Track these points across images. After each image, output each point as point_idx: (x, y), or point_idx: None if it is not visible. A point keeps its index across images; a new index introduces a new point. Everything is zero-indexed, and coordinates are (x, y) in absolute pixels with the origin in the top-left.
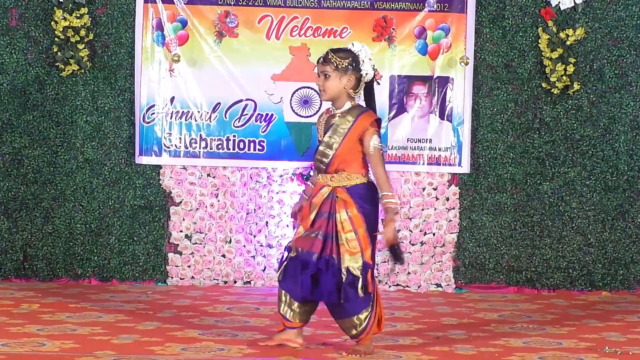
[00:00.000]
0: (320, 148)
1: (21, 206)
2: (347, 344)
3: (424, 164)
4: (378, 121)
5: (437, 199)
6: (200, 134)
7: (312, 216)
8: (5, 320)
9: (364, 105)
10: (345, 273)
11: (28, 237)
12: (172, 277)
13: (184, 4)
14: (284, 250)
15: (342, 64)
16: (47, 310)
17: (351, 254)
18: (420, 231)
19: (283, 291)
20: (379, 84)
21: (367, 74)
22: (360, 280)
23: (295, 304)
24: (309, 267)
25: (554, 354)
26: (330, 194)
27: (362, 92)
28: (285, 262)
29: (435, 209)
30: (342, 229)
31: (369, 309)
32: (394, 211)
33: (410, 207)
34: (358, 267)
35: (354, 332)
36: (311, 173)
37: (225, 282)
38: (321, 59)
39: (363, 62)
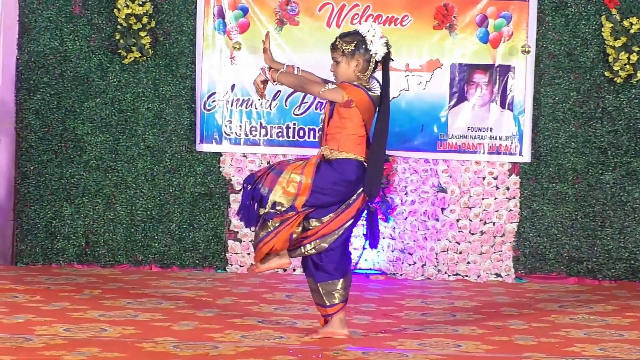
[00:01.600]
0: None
1: (83, 192)
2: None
3: (484, 153)
4: (354, 91)
5: (497, 188)
6: (261, 122)
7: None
8: (68, 306)
9: (380, 84)
10: (270, 205)
11: (90, 224)
12: (231, 265)
13: None
14: None
15: (348, 49)
16: (108, 296)
17: (285, 193)
18: (480, 220)
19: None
20: (392, 60)
21: (376, 53)
22: (277, 214)
23: (312, 284)
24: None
25: (616, 345)
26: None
27: (375, 71)
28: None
29: (495, 199)
30: (290, 167)
31: (269, 230)
32: (275, 72)
33: (471, 196)
34: (283, 205)
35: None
36: None
37: (284, 270)
38: (331, 46)
39: (371, 42)
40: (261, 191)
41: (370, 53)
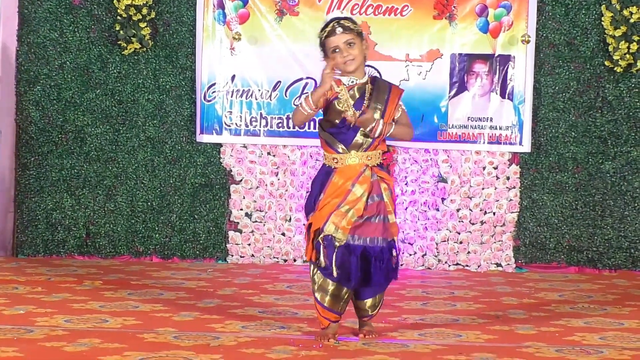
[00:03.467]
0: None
1: (84, 184)
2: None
3: (484, 142)
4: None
5: (497, 178)
6: (261, 112)
7: (364, 200)
8: (69, 297)
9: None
10: (395, 254)
11: (91, 215)
12: (232, 255)
13: None
14: (326, 242)
15: (359, 30)
16: (109, 287)
17: (397, 231)
18: (481, 210)
19: (331, 282)
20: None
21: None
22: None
23: (345, 292)
24: (384, 255)
25: (615, 334)
26: (373, 175)
27: None
28: (335, 253)
29: (495, 188)
30: (391, 208)
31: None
32: (390, 125)
33: (471, 186)
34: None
35: (372, 311)
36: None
37: (285, 260)
38: (339, 29)
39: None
40: (394, 244)
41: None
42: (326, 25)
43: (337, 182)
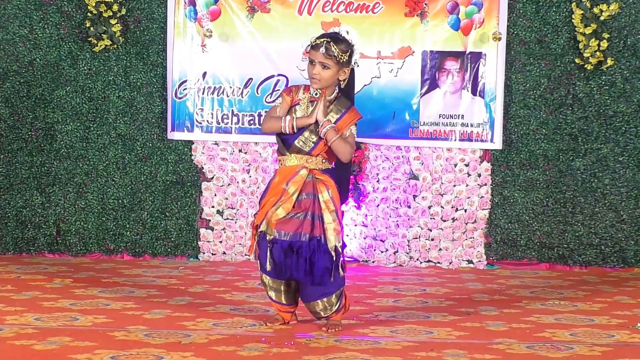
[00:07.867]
0: (307, 132)
1: (54, 181)
2: (331, 324)
3: (455, 140)
4: (358, 117)
5: (468, 175)
6: (232, 110)
7: (294, 198)
8: (39, 295)
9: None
10: (334, 253)
11: (61, 212)
12: (203, 253)
13: None
14: (259, 238)
15: (343, 58)
16: (79, 285)
17: (337, 233)
18: (452, 207)
19: (269, 278)
20: (358, 66)
21: (355, 63)
22: (341, 259)
23: (283, 286)
24: (302, 250)
25: (586, 330)
26: (308, 176)
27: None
28: (269, 249)
29: (467, 185)
30: (327, 208)
31: (342, 288)
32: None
33: (442, 183)
34: (340, 247)
35: (328, 312)
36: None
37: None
38: (322, 50)
39: (355, 53)
40: (322, 241)
41: (353, 64)
42: (319, 37)
43: (276, 181)
